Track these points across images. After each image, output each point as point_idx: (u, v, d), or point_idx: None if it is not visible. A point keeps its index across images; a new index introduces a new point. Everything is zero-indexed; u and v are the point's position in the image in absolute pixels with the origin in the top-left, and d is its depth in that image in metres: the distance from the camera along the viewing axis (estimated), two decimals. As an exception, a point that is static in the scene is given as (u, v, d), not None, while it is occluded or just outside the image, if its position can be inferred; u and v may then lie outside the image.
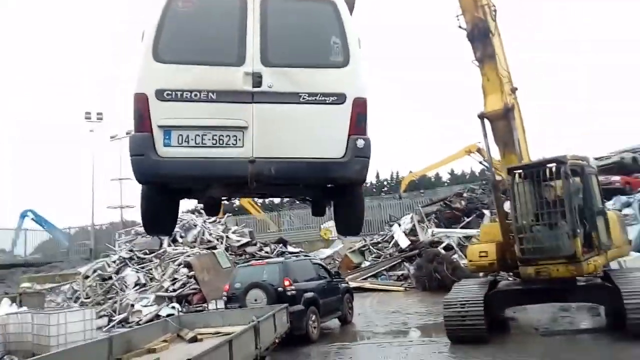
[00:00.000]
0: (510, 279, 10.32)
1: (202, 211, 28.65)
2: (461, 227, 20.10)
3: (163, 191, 4.12)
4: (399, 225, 21.58)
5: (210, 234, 20.71)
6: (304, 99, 3.76)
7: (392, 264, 19.13)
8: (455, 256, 17.23)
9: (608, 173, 18.43)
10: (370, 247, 21.09)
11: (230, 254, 18.89)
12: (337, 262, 20.85)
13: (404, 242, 19.68)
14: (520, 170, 8.97)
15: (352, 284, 15.01)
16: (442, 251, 17.53)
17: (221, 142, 3.70)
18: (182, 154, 3.65)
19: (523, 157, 9.89)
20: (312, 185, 4.21)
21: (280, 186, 4.22)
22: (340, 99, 3.80)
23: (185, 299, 15.92)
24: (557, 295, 9.13)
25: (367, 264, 20.07)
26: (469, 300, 8.78)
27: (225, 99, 3.69)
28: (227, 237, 20.66)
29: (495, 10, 9.91)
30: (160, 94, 3.65)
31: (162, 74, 3.69)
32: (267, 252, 20.19)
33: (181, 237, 20.41)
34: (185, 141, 3.67)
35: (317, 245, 25.13)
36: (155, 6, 3.83)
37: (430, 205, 24.80)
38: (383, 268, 19.08)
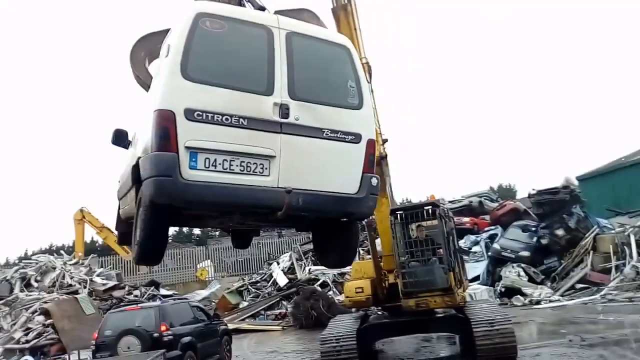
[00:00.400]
0: (380, 312, 11.12)
1: (62, 252, 25.99)
2: (336, 265, 21.00)
3: (175, 216, 3.80)
4: (278, 263, 21.87)
5: (72, 277, 18.91)
6: (326, 134, 3.87)
7: (271, 303, 19.21)
8: (331, 293, 17.94)
9: (459, 215, 20.85)
10: (249, 286, 20.97)
11: (94, 299, 17.43)
12: (214, 303, 20.33)
13: (283, 281, 19.94)
14: (402, 212, 9.85)
15: (230, 326, 14.78)
16: (319, 288, 18.12)
17: (249, 169, 3.58)
18: (209, 179, 3.45)
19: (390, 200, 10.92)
20: (328, 218, 4.22)
21: (295, 218, 4.08)
22: (357, 138, 4.01)
23: (41, 351, 14.24)
24: (420, 327, 10.07)
25: (245, 304, 19.89)
26: (342, 336, 9.26)
27: (255, 127, 3.61)
28: (90, 280, 19.06)
29: (370, 69, 11.02)
30: (190, 114, 3.42)
31: (191, 93, 3.47)
32: (136, 296, 18.96)
33: (37, 280, 18.34)
34: (212, 165, 3.48)
35: (193, 287, 24.24)
36: (176, 21, 3.63)
37: (309, 243, 25.52)
38: (261, 308, 19.05)
